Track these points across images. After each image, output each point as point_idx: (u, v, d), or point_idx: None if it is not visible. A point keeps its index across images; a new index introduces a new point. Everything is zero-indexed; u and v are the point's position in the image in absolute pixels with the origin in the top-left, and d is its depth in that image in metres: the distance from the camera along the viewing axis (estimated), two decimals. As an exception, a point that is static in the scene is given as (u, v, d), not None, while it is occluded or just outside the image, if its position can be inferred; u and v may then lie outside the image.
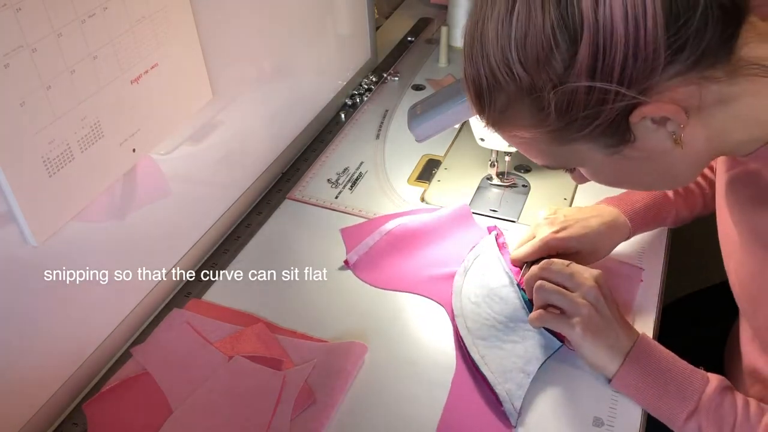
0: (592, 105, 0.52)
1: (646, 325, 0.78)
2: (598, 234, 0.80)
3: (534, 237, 0.82)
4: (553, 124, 0.55)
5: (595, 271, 0.72)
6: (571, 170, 0.67)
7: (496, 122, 0.59)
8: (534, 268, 0.75)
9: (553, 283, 0.71)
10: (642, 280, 0.82)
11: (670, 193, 0.84)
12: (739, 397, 0.64)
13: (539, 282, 0.72)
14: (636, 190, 0.78)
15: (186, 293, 0.84)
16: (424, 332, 0.79)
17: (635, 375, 0.67)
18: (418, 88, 1.25)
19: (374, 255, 0.87)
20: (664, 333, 0.80)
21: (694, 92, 0.52)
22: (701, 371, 0.66)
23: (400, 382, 0.73)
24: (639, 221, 0.83)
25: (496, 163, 0.97)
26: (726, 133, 0.57)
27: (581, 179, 0.67)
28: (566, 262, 0.73)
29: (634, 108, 0.52)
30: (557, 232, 0.79)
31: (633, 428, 0.67)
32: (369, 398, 0.72)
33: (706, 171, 0.84)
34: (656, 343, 0.69)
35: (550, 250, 0.79)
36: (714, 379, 0.65)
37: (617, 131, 0.54)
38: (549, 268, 0.73)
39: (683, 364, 0.67)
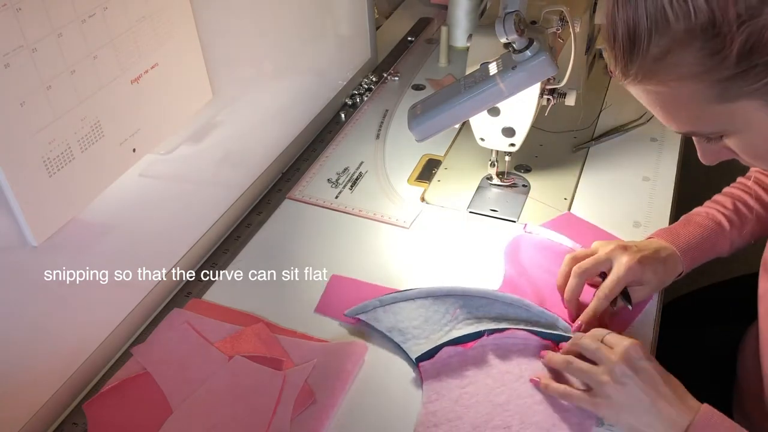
0: None
1: (646, 326, 0.78)
2: (668, 266, 0.77)
3: (608, 260, 0.77)
4: (726, 72, 0.48)
5: (630, 342, 0.66)
6: (716, 139, 0.57)
7: (645, 73, 0.51)
8: (568, 344, 0.71)
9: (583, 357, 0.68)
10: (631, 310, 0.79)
11: (726, 225, 0.80)
12: None
13: (567, 357, 0.69)
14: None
15: (186, 293, 0.84)
16: (424, 332, 0.79)
17: None
18: (418, 88, 1.25)
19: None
20: (663, 334, 0.81)
21: None
22: None
23: (400, 382, 0.73)
24: (693, 259, 0.79)
25: (496, 163, 0.97)
26: None
27: (713, 156, 0.59)
28: (602, 332, 0.69)
29: None
30: (640, 261, 0.75)
31: (633, 428, 0.67)
32: (369, 398, 0.72)
33: (761, 193, 0.81)
34: (722, 417, 0.62)
35: (631, 278, 0.75)
36: None
37: None
38: (578, 343, 0.69)
39: None
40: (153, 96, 0.72)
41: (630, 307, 0.76)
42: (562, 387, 0.68)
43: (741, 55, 0.46)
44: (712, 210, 0.82)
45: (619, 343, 0.66)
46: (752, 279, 0.76)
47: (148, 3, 0.69)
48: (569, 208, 0.95)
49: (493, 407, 0.69)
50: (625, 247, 0.77)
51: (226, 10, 0.85)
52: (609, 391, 0.64)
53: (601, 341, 0.68)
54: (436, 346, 0.74)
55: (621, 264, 0.75)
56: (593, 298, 0.76)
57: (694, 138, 0.61)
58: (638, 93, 0.56)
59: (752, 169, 0.85)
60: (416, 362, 0.73)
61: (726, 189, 0.85)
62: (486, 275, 0.85)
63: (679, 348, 0.91)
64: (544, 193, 0.98)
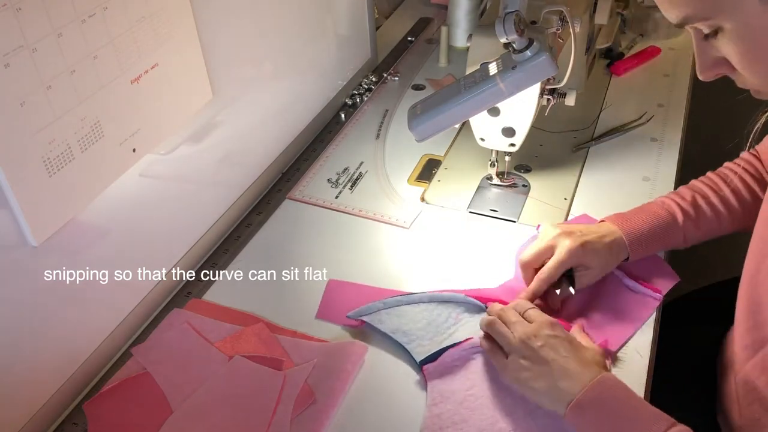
0: None
1: (646, 325, 0.78)
2: (609, 253, 0.79)
3: (550, 247, 0.79)
4: None
5: (544, 320, 0.71)
6: (708, 37, 0.57)
7: None
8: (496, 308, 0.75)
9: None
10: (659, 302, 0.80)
11: (679, 216, 0.81)
12: None
13: (491, 318, 0.73)
14: None
15: (186, 293, 0.84)
16: (424, 332, 0.79)
17: (581, 418, 0.64)
18: (418, 88, 1.25)
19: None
20: (663, 334, 0.81)
21: None
22: (666, 418, 0.62)
23: (400, 383, 0.73)
24: (640, 246, 0.80)
25: (496, 163, 0.97)
26: None
27: (710, 65, 0.59)
28: (526, 305, 0.73)
29: None
30: (582, 246, 0.77)
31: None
32: (369, 398, 0.72)
33: (727, 193, 0.82)
34: (619, 385, 0.65)
35: (573, 262, 0.78)
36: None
37: None
38: (498, 312, 0.73)
39: (645, 410, 0.63)
40: (153, 96, 0.72)
41: (573, 291, 0.78)
42: (488, 344, 0.72)
43: None
44: (668, 200, 0.83)
45: (536, 318, 0.71)
46: None
47: (148, 3, 0.69)
48: (569, 209, 0.95)
49: (499, 410, 0.69)
50: (569, 233, 0.79)
51: (226, 10, 0.85)
52: (515, 350, 0.69)
53: (523, 314, 0.72)
54: (440, 349, 0.74)
55: (563, 248, 0.78)
56: (533, 280, 0.78)
57: (694, 48, 0.60)
58: None
59: (725, 164, 0.87)
60: (420, 365, 0.73)
61: (692, 181, 0.86)
62: (486, 275, 0.85)
63: (679, 347, 0.91)
64: (544, 193, 0.98)
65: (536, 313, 0.72)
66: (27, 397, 0.68)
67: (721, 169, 0.87)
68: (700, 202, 0.82)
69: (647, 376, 0.73)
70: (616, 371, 0.72)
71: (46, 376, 0.70)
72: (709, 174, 0.87)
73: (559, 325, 0.71)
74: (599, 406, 0.63)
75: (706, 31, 0.56)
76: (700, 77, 0.62)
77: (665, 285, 0.82)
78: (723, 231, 0.83)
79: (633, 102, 1.16)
